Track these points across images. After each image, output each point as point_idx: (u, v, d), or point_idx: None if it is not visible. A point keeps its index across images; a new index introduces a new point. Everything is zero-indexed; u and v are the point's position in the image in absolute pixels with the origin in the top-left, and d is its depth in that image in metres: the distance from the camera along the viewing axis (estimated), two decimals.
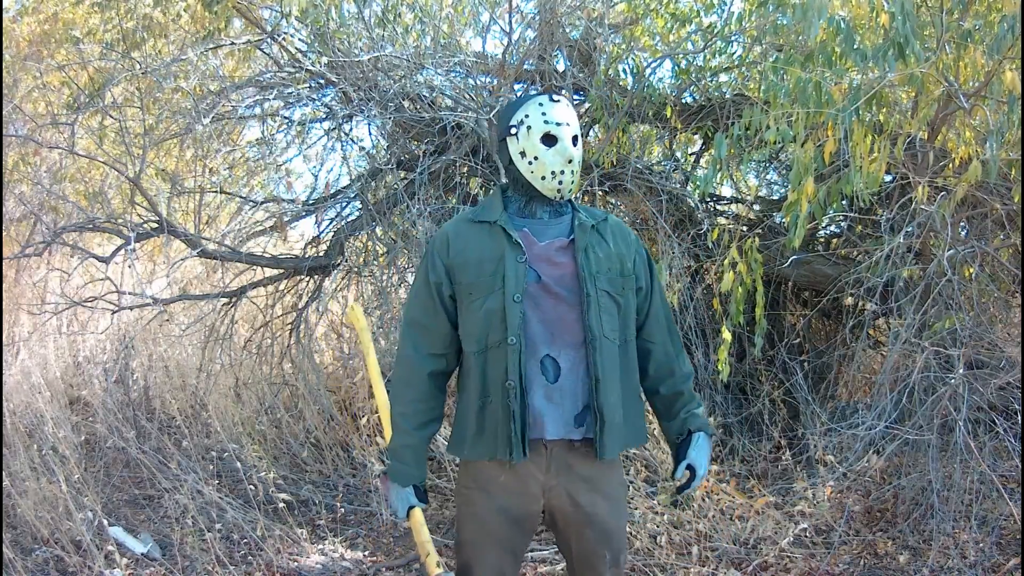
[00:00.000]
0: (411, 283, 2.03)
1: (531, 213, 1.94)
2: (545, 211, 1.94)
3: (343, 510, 3.92)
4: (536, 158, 1.88)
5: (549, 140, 1.88)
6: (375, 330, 4.87)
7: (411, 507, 1.99)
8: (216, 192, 5.04)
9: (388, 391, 2.07)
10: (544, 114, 1.89)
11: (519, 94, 4.66)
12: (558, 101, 1.92)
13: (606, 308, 1.89)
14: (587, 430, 1.87)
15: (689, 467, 1.97)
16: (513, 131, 1.92)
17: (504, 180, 2.16)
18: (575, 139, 1.90)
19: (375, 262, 4.84)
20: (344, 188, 4.86)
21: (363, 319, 2.34)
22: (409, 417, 1.94)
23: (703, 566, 3.15)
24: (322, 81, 4.57)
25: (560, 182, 1.89)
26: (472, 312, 1.89)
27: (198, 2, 4.33)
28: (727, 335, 3.54)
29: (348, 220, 4.79)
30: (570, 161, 1.88)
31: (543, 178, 1.89)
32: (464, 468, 1.98)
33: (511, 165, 1.94)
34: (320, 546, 3.58)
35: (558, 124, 1.88)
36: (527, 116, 1.90)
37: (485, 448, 1.88)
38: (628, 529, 3.31)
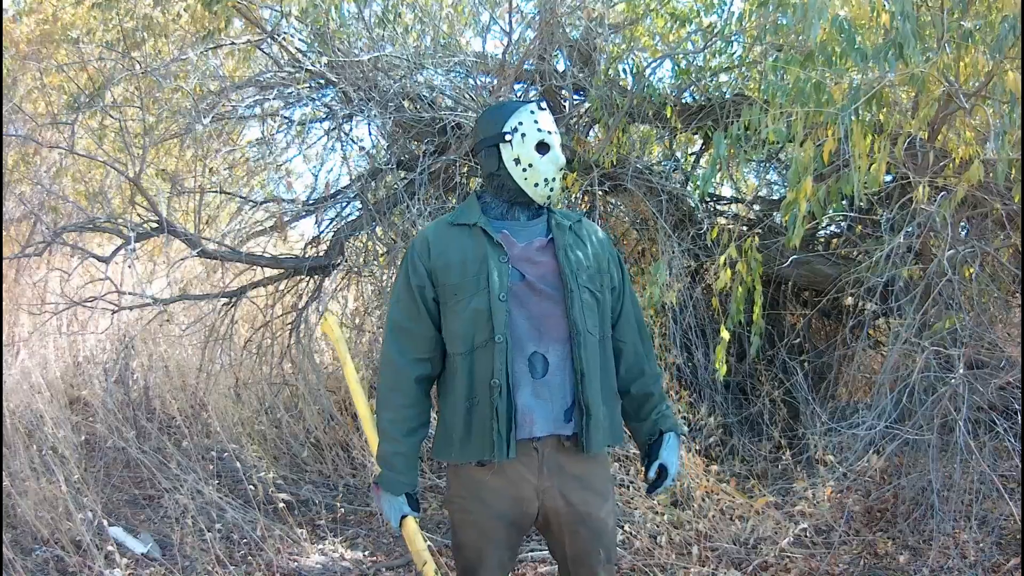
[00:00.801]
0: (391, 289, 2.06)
1: (511, 216, 1.98)
2: (524, 214, 1.99)
3: (343, 510, 3.92)
4: (531, 165, 1.93)
5: (543, 148, 1.95)
6: (375, 331, 4.87)
7: (404, 516, 1.98)
8: (216, 192, 5.04)
9: (375, 399, 2.05)
10: (536, 122, 1.95)
11: (519, 95, 4.66)
12: (544, 109, 1.99)
13: (588, 304, 1.93)
14: (575, 425, 1.89)
15: (661, 467, 2.01)
16: (507, 137, 1.95)
17: (481, 183, 2.19)
18: (561, 147, 1.99)
19: (375, 262, 4.84)
20: (344, 188, 4.86)
21: (337, 329, 2.26)
22: (399, 424, 1.94)
23: (703, 566, 3.15)
24: (322, 81, 4.57)
25: (552, 189, 1.96)
26: (457, 314, 1.90)
27: (198, 2, 4.32)
28: (726, 334, 3.54)
29: (348, 220, 4.79)
30: (560, 169, 1.96)
31: (536, 185, 1.94)
32: (454, 476, 1.98)
33: (499, 170, 1.96)
34: (320, 546, 3.58)
35: (549, 132, 1.96)
36: (521, 123, 1.94)
37: (473, 450, 1.88)
38: (628, 529, 3.31)
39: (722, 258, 3.51)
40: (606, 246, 2.06)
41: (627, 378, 2.05)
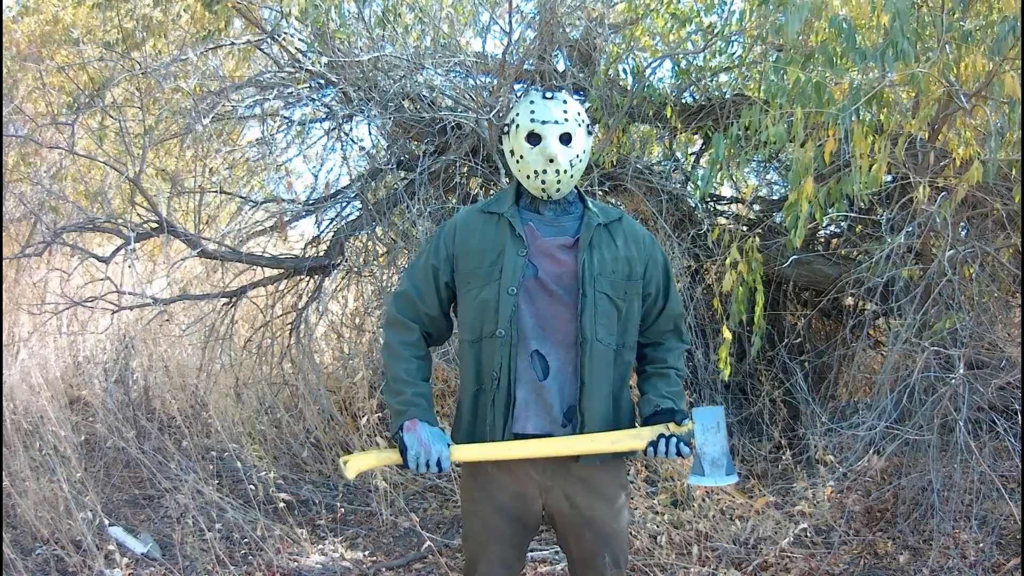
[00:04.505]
0: (411, 260, 2.04)
1: (537, 210, 1.93)
2: (549, 208, 1.93)
3: (343, 510, 3.92)
4: (521, 157, 1.88)
5: (533, 139, 1.87)
6: (375, 330, 4.87)
7: (448, 445, 1.84)
8: (216, 192, 5.04)
9: (386, 368, 1.96)
10: (532, 112, 1.87)
11: (519, 94, 4.66)
12: (551, 98, 1.89)
13: (603, 311, 1.86)
14: (572, 430, 1.86)
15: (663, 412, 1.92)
16: (506, 130, 1.93)
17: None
18: (565, 137, 1.86)
19: (375, 262, 4.84)
20: (344, 188, 4.86)
21: (362, 460, 1.98)
22: (415, 373, 1.90)
23: (703, 566, 3.15)
24: (322, 81, 4.57)
25: (543, 181, 1.86)
26: (468, 302, 1.90)
27: (198, 2, 4.32)
28: (727, 335, 3.54)
29: (348, 220, 4.79)
30: (551, 160, 1.84)
31: (527, 177, 1.88)
32: (466, 465, 1.98)
33: (508, 164, 1.94)
34: (320, 546, 3.58)
35: (544, 123, 1.85)
36: (518, 115, 1.90)
37: (475, 438, 1.89)
38: (628, 529, 3.31)
39: (728, 261, 3.52)
40: (646, 249, 1.96)
41: (647, 361, 2.01)
